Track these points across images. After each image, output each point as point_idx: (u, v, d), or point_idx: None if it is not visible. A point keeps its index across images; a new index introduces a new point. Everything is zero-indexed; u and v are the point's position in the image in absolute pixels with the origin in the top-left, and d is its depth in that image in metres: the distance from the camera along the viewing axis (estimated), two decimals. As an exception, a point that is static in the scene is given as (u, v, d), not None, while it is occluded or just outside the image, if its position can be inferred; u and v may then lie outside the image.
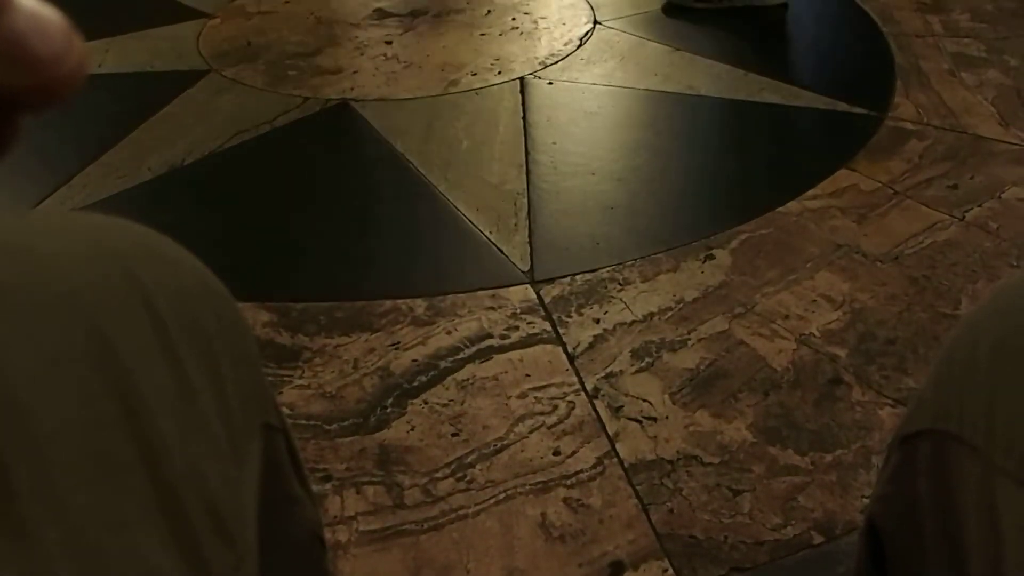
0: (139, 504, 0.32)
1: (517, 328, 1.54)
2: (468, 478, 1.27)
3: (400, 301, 1.61)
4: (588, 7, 2.78)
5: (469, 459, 1.30)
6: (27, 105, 0.21)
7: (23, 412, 0.30)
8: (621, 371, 1.44)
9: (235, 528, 0.37)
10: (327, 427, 1.37)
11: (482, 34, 2.67)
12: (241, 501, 0.39)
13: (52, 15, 0.20)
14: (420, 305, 1.60)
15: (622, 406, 1.38)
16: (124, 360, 0.34)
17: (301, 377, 1.46)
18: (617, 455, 1.30)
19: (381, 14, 2.82)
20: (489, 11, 2.81)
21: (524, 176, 1.97)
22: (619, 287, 1.62)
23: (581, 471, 1.28)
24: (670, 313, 1.56)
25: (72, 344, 0.33)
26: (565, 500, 1.24)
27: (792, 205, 1.83)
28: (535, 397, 1.40)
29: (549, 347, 1.50)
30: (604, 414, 1.36)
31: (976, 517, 0.42)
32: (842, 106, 2.18)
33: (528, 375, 1.44)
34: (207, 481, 0.36)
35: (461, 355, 1.49)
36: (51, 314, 0.33)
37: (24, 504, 0.28)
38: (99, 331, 0.34)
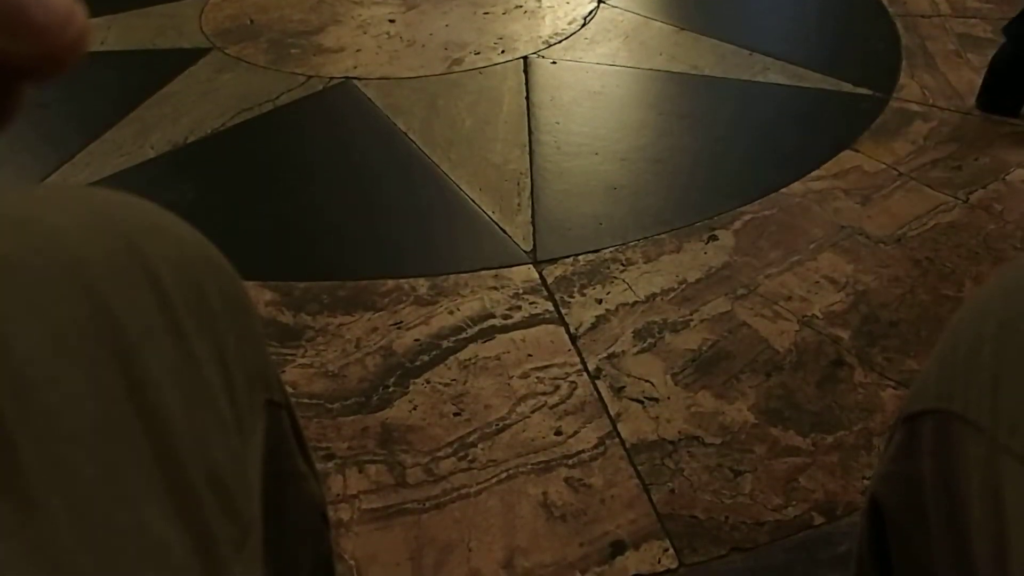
0: (145, 477, 0.32)
1: (519, 308, 1.54)
2: (470, 457, 1.28)
3: (403, 280, 1.61)
4: (592, -14, 2.76)
5: (471, 438, 1.31)
6: (30, 74, 0.21)
7: (29, 384, 0.30)
8: (623, 351, 1.44)
9: (240, 502, 0.37)
10: (329, 406, 1.37)
11: (485, 13, 2.65)
12: (246, 475, 0.39)
13: None
14: (423, 285, 1.60)
15: (624, 386, 1.38)
16: (129, 334, 0.34)
17: (304, 356, 1.46)
18: (619, 435, 1.30)
19: (384, -8, 2.81)
20: (493, -10, 2.79)
21: (527, 156, 1.96)
22: (622, 267, 1.62)
23: (583, 451, 1.28)
24: (673, 294, 1.56)
25: (77, 317, 0.33)
26: (567, 480, 1.24)
27: (796, 186, 1.82)
28: (537, 377, 1.40)
29: (551, 327, 1.50)
30: (606, 394, 1.37)
31: (980, 496, 0.42)
32: (847, 87, 2.17)
33: (530, 355, 1.44)
34: (212, 455, 0.36)
35: (463, 335, 1.49)
36: (56, 287, 0.33)
37: (30, 475, 0.28)
38: (104, 304, 0.34)
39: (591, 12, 2.62)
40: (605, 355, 1.44)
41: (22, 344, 0.30)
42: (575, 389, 1.38)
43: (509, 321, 1.51)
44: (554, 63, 2.35)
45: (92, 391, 0.32)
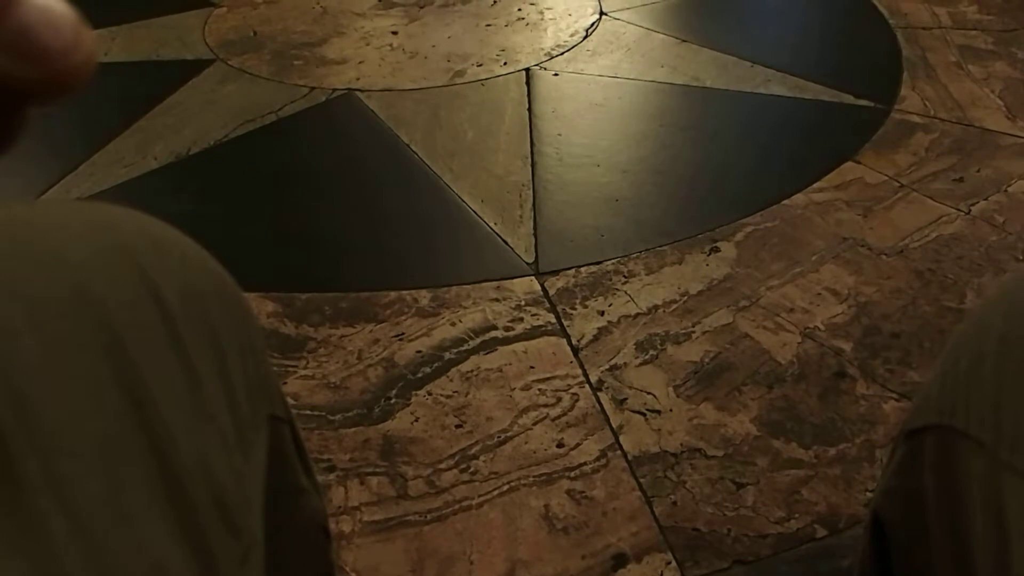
0: (146, 495, 0.32)
1: (521, 320, 1.54)
2: (472, 469, 1.28)
3: (405, 292, 1.61)
4: (594, -2, 2.77)
5: (473, 450, 1.31)
6: (36, 97, 0.21)
7: (31, 403, 0.30)
8: (625, 363, 1.44)
9: (241, 519, 0.37)
10: (331, 417, 1.37)
11: (488, 25, 2.66)
12: (247, 492, 0.39)
13: (61, 7, 0.20)
14: (425, 296, 1.60)
15: (626, 398, 1.38)
16: (132, 352, 0.34)
17: (305, 367, 1.46)
18: (621, 447, 1.30)
19: (387, 4, 2.82)
20: (495, 1, 2.80)
21: (529, 167, 1.97)
22: (624, 279, 1.62)
23: (585, 463, 1.28)
24: (675, 306, 1.56)
25: (80, 336, 0.33)
26: (568, 492, 1.24)
27: (798, 198, 1.82)
28: (539, 389, 1.40)
29: (553, 339, 1.50)
30: (608, 406, 1.37)
31: (982, 512, 0.42)
32: (848, 98, 2.18)
33: (532, 367, 1.44)
34: (214, 472, 0.36)
35: (465, 346, 1.49)
36: (58, 305, 0.33)
37: (32, 494, 0.28)
38: (107, 323, 0.34)
39: (593, 24, 2.63)
40: (607, 367, 1.44)
41: (25, 362, 0.30)
42: (577, 401, 1.38)
43: (511, 333, 1.51)
44: (556, 75, 2.35)
45: (94, 409, 0.32)
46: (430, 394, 1.40)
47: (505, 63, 2.42)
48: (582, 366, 1.44)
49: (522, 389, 1.40)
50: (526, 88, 2.29)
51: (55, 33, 0.20)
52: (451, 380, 1.42)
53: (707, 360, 1.44)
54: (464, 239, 1.77)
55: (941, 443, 0.48)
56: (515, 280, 1.63)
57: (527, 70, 2.38)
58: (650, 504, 1.22)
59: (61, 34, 0.20)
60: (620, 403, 1.37)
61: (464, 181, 1.93)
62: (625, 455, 1.29)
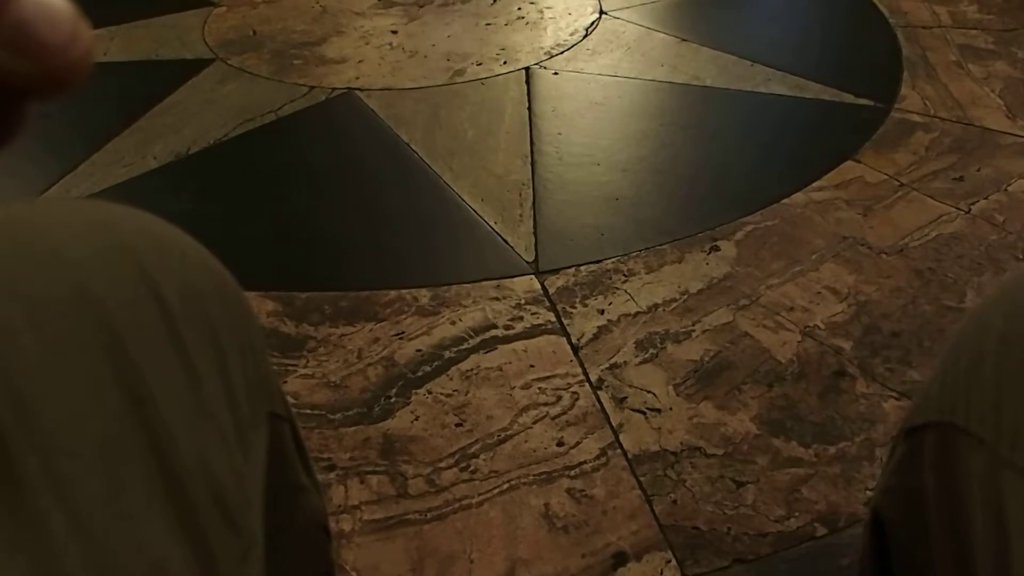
0: (146, 493, 0.32)
1: (521, 318, 1.54)
2: (472, 468, 1.28)
3: (404, 291, 1.61)
4: (594, -3, 2.77)
5: (473, 449, 1.31)
6: (34, 93, 0.21)
7: (31, 402, 0.30)
8: (625, 362, 1.44)
9: (241, 518, 0.37)
10: (331, 416, 1.37)
11: (488, 24, 2.66)
12: (247, 491, 0.39)
13: (59, 2, 0.20)
14: (424, 295, 1.60)
15: (626, 397, 1.38)
16: (132, 352, 0.34)
17: (305, 366, 1.46)
18: (621, 446, 1.30)
19: (386, 3, 2.82)
20: (495, 0, 2.80)
21: (529, 166, 1.97)
22: (624, 278, 1.62)
23: (585, 462, 1.28)
24: (675, 304, 1.56)
25: (80, 336, 0.33)
26: (568, 491, 1.24)
27: (798, 197, 1.82)
28: (539, 388, 1.40)
29: (553, 338, 1.50)
30: (608, 405, 1.37)
31: (982, 510, 0.42)
32: (848, 97, 2.18)
33: (532, 366, 1.44)
34: (214, 471, 0.36)
35: (465, 345, 1.49)
36: (59, 306, 0.33)
37: (32, 493, 0.28)
38: (107, 323, 0.34)
39: (593, 23, 2.63)
40: (607, 366, 1.44)
41: (24, 362, 0.30)
42: (577, 400, 1.38)
43: (511, 331, 1.51)
44: (556, 74, 2.35)
45: (94, 408, 0.32)
46: (430, 393, 1.40)
47: (505, 62, 2.42)
48: (582, 365, 1.44)
49: (522, 388, 1.40)
50: (526, 87, 2.29)
51: (53, 28, 0.20)
52: (451, 379, 1.42)
53: (707, 359, 1.44)
54: (464, 238, 1.77)
55: (941, 441, 0.48)
56: (515, 279, 1.63)
57: (527, 69, 2.38)
58: (650, 503, 1.22)
59: (59, 29, 0.20)
60: (620, 402, 1.37)
61: (464, 180, 1.93)
62: (625, 454, 1.29)
